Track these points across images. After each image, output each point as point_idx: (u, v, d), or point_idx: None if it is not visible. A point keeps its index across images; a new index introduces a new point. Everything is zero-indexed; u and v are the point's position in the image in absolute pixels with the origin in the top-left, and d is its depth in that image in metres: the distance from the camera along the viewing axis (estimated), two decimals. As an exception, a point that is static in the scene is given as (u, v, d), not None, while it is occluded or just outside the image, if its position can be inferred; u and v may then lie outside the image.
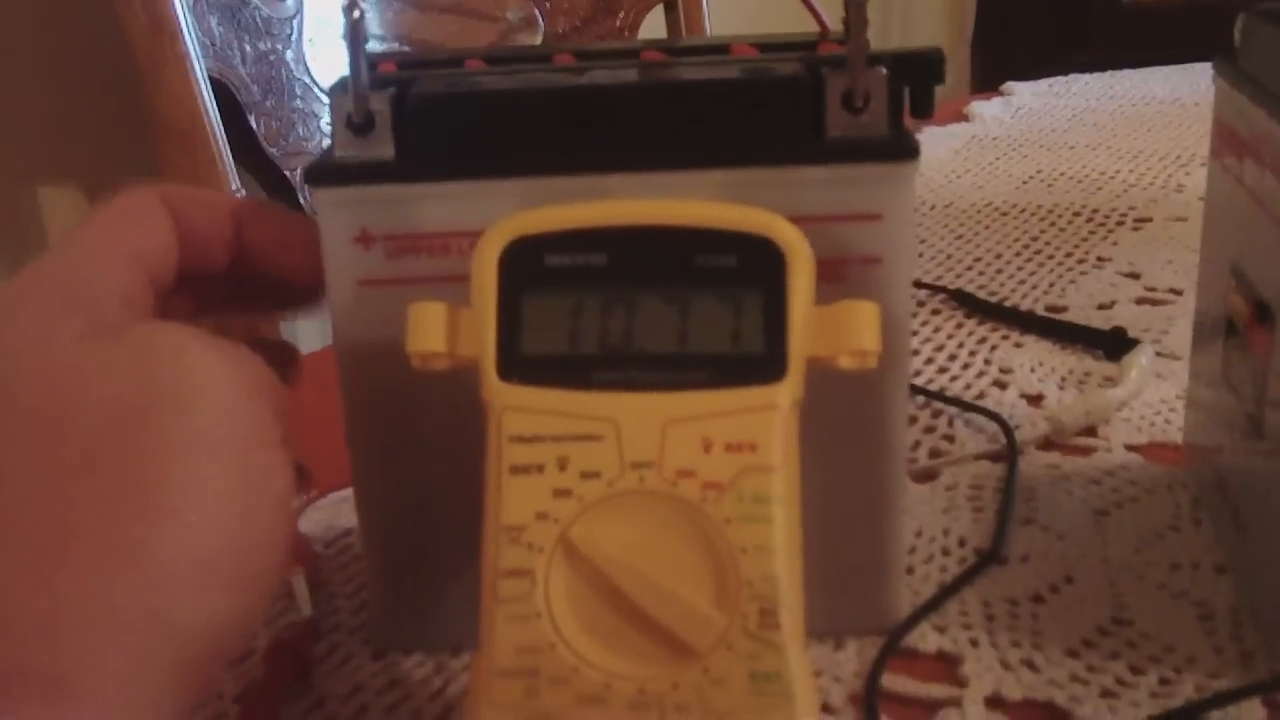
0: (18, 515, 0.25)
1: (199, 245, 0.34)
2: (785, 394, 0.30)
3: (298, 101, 0.89)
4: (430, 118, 0.34)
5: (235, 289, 0.36)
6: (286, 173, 0.87)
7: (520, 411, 0.30)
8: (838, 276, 0.34)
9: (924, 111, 0.34)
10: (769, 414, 0.30)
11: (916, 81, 0.34)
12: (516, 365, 0.31)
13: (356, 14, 0.32)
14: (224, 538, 0.27)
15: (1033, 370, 0.58)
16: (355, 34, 0.33)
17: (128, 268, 0.31)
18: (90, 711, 0.24)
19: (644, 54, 0.38)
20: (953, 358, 0.60)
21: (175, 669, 0.26)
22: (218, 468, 0.27)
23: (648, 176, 0.33)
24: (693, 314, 0.31)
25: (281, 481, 0.29)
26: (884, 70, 0.33)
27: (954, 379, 0.58)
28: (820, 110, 0.33)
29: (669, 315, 0.31)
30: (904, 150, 0.33)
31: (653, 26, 1.20)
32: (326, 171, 0.34)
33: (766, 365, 0.30)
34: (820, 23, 0.39)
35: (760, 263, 0.31)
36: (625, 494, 0.29)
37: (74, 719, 0.24)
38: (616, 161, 0.33)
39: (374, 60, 0.37)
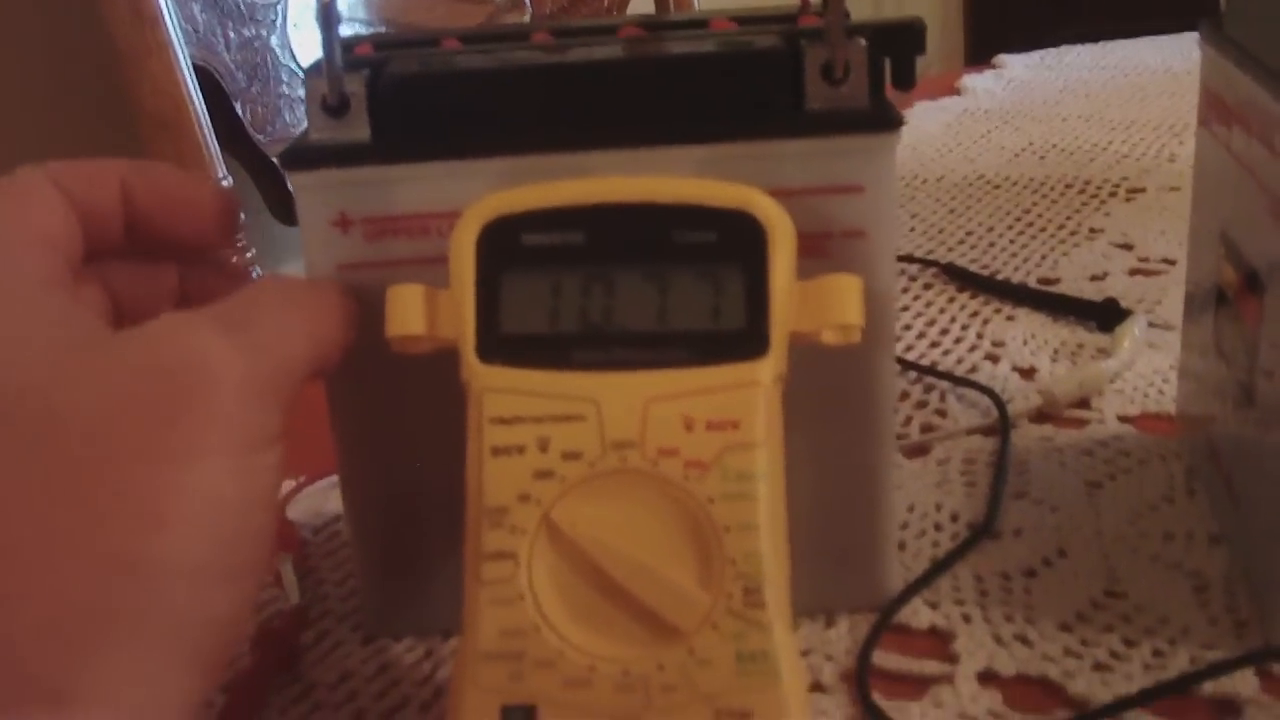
0: (1, 527, 0.25)
1: (92, 219, 0.33)
2: (767, 370, 0.30)
3: (284, 87, 0.88)
4: (405, 98, 0.33)
5: (139, 257, 0.34)
6: (274, 160, 0.87)
7: (500, 393, 0.30)
8: (820, 251, 0.33)
9: (905, 83, 0.34)
10: (751, 390, 0.30)
11: (897, 52, 0.34)
12: (496, 346, 0.30)
13: (328, -5, 0.32)
14: (217, 538, 0.27)
15: (1025, 343, 0.58)
16: (328, 15, 0.32)
17: (43, 252, 0.30)
18: (97, 714, 0.24)
19: (622, 30, 0.37)
20: (944, 332, 0.60)
21: (187, 664, 0.26)
22: (212, 474, 0.27)
23: (626, 153, 0.33)
24: (673, 291, 0.31)
25: (275, 478, 0.29)
26: (863, 41, 0.32)
27: (946, 353, 0.57)
28: (799, 82, 0.33)
29: (649, 293, 0.31)
30: (885, 121, 0.33)
31: (641, 5, 1.19)
32: (302, 155, 0.33)
33: (748, 341, 0.30)
34: (801, -5, 0.39)
35: (740, 238, 0.31)
36: (607, 474, 0.29)
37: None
38: (594, 139, 0.33)
39: (350, 42, 0.36)
